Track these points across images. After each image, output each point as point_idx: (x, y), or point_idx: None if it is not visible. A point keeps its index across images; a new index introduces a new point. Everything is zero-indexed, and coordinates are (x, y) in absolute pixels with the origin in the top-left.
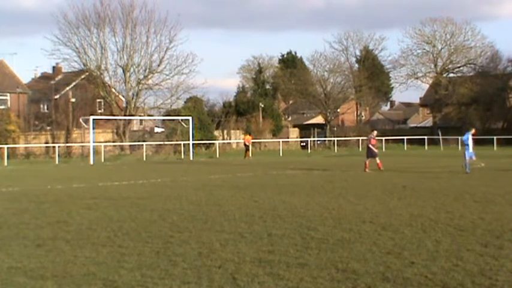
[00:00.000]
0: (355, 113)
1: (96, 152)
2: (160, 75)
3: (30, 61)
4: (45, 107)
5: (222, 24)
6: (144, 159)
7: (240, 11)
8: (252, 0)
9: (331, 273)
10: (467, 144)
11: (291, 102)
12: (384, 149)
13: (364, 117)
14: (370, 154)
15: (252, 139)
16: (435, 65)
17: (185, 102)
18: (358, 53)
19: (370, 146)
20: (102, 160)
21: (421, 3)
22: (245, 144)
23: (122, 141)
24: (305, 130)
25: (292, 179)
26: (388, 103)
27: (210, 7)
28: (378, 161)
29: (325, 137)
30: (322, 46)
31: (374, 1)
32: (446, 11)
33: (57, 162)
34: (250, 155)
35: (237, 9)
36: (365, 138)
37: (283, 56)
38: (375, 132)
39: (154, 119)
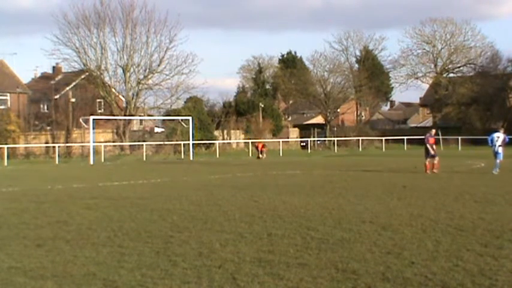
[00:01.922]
0: (355, 113)
1: (96, 152)
2: (160, 75)
3: (30, 61)
4: (45, 107)
5: (221, 24)
6: (144, 159)
7: (239, 11)
8: (251, 0)
9: (331, 273)
10: (498, 145)
11: (291, 102)
12: (384, 149)
13: (364, 117)
14: (428, 154)
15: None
16: (435, 65)
17: (185, 102)
18: (358, 53)
19: (428, 145)
20: (102, 160)
21: (421, 3)
22: (257, 148)
23: (122, 141)
24: (305, 130)
25: (292, 179)
26: (388, 103)
27: (209, 7)
28: (436, 161)
29: (325, 137)
30: (322, 46)
31: (373, 1)
32: (446, 10)
33: (57, 162)
34: (261, 156)
35: (236, 9)
36: (365, 138)
37: (283, 56)
38: (434, 131)
39: (154, 119)
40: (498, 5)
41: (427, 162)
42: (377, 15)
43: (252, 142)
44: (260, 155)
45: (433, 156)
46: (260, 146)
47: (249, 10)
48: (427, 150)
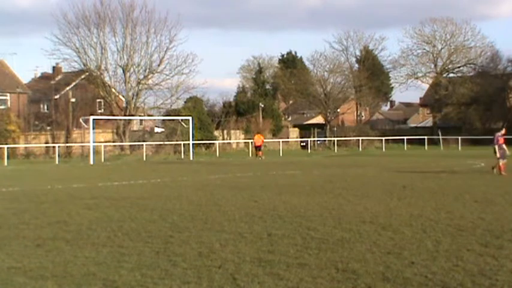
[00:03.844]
0: (355, 113)
1: (96, 152)
2: (160, 75)
3: (30, 61)
4: (45, 107)
5: (221, 24)
6: (144, 159)
7: (238, 11)
8: (251, 0)
9: (331, 273)
10: None
11: (291, 102)
12: (384, 149)
13: (364, 117)
14: (500, 155)
15: (264, 139)
16: (435, 65)
17: (185, 102)
18: (358, 53)
19: (497, 146)
20: (102, 160)
21: (419, 3)
22: (256, 145)
23: (122, 141)
24: (305, 130)
25: (292, 179)
26: (388, 103)
27: (209, 7)
28: (501, 163)
29: (325, 137)
30: (322, 46)
31: (373, 0)
32: (445, 10)
33: (57, 162)
34: (260, 155)
35: (236, 10)
36: (365, 138)
37: (283, 56)
38: (504, 131)
39: (154, 119)
40: (497, 4)
41: (500, 164)
42: (376, 15)
43: (251, 142)
44: (259, 153)
45: (503, 158)
46: (260, 141)
47: (249, 10)
48: (495, 151)
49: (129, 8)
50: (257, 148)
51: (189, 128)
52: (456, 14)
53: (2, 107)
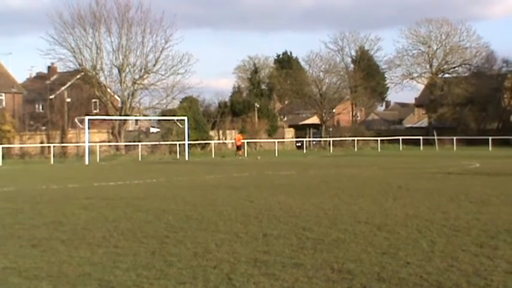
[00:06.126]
0: (351, 113)
1: (92, 152)
2: (156, 75)
3: (25, 61)
4: (40, 107)
5: (216, 24)
6: (140, 159)
7: (233, 12)
8: (246, 1)
9: (327, 274)
10: None
11: (286, 102)
12: (379, 149)
13: (359, 118)
14: None
15: (243, 138)
16: (430, 66)
17: (180, 102)
18: (353, 53)
19: None
20: (98, 160)
21: (414, 4)
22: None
23: (117, 141)
24: (300, 130)
25: (287, 179)
26: (384, 103)
27: (203, 8)
28: None
29: (321, 137)
30: (317, 46)
31: (367, 1)
32: (440, 11)
33: (52, 162)
34: (240, 154)
35: (231, 10)
36: (360, 138)
37: (278, 56)
38: None
39: (150, 119)
40: (492, 5)
41: None
42: (372, 16)
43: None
44: (239, 151)
45: None
46: (238, 139)
47: (244, 11)
48: None
49: (125, 8)
50: (237, 147)
51: (184, 128)
52: (451, 14)
53: None
